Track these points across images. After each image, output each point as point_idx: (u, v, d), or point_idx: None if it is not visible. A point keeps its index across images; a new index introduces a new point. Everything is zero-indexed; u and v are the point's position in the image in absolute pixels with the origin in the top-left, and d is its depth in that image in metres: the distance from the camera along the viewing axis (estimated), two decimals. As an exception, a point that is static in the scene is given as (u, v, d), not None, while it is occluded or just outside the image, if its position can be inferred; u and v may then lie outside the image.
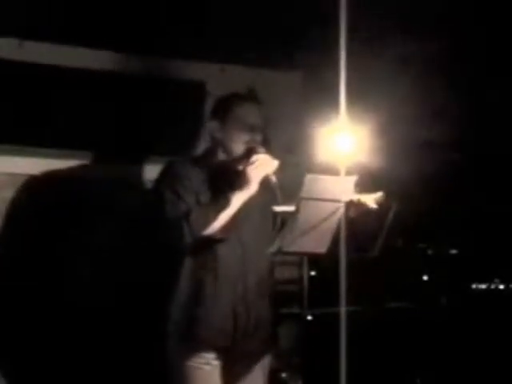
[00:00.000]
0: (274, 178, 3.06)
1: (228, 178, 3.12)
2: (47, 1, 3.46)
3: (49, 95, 3.84)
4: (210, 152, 3.24)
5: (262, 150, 3.10)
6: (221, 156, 3.21)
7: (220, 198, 3.05)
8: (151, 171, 3.75)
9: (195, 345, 3.10)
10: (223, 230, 3.05)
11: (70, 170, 3.84)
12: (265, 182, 3.07)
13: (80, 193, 3.81)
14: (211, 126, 3.21)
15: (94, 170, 3.87)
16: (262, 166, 3.05)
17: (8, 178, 3.75)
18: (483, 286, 4.89)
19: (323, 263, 4.52)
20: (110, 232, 3.82)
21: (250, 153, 3.10)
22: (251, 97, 3.25)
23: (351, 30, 3.03)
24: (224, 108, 3.19)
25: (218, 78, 4.09)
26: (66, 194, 3.80)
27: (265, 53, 3.96)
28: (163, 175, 3.15)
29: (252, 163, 3.04)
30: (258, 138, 3.16)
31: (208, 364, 3.11)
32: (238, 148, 3.15)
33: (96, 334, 3.79)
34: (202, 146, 3.85)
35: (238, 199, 3.04)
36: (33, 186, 3.77)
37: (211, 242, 3.07)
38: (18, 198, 3.74)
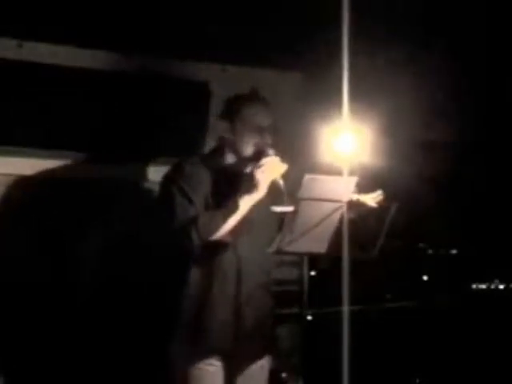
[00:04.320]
0: (281, 182, 3.04)
1: (237, 181, 3.10)
2: (47, 1, 3.45)
3: (48, 95, 3.83)
4: (219, 152, 3.22)
5: (271, 152, 3.09)
6: (229, 157, 3.20)
7: (228, 202, 3.03)
8: (153, 172, 3.76)
9: (200, 348, 3.10)
10: (231, 233, 3.05)
11: (71, 171, 3.84)
12: (273, 186, 3.05)
13: (81, 193, 3.80)
14: (220, 126, 3.20)
15: (95, 171, 3.86)
16: (271, 170, 3.04)
17: (7, 179, 3.75)
18: (483, 286, 4.90)
19: (323, 263, 4.52)
20: (112, 233, 3.81)
21: (259, 155, 3.09)
22: (260, 98, 3.23)
23: (353, 31, 3.03)
24: (234, 109, 3.18)
25: (219, 78, 4.08)
26: (66, 194, 3.80)
27: (266, 53, 3.96)
28: (173, 175, 3.13)
29: (260, 166, 3.03)
30: (268, 139, 3.15)
31: (211, 365, 3.11)
32: (248, 149, 3.14)
33: (101, 335, 3.78)
34: (205, 146, 3.85)
35: (245, 203, 3.02)
36: (33, 187, 3.77)
37: (219, 245, 3.07)
38: (12, 198, 3.72)
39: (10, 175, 3.73)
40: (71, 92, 3.83)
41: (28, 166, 3.77)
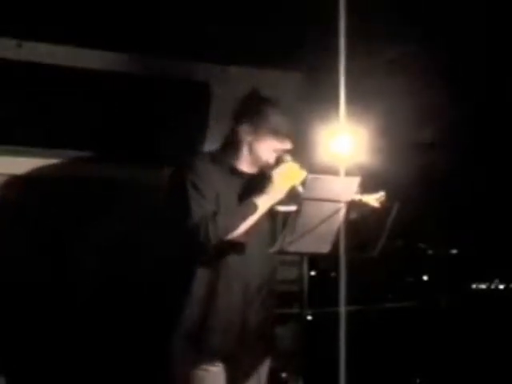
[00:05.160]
0: (300, 189, 3.00)
1: (255, 184, 3.06)
2: (47, 1, 3.45)
3: (48, 95, 3.83)
4: (231, 152, 3.15)
5: (288, 158, 3.07)
6: (246, 158, 3.14)
7: (246, 203, 3.01)
8: (153, 171, 3.76)
9: (203, 349, 3.09)
10: (246, 234, 3.00)
11: (71, 170, 3.85)
12: (291, 192, 3.02)
13: (81, 193, 3.81)
14: (241, 127, 3.12)
15: (95, 171, 3.87)
16: (290, 175, 3.01)
17: (6, 179, 3.75)
18: (483, 286, 4.90)
19: (324, 263, 4.53)
20: (113, 232, 3.81)
21: (277, 160, 3.06)
22: (277, 102, 3.19)
23: (350, 31, 3.03)
24: (256, 111, 3.11)
25: (219, 79, 4.08)
26: (66, 194, 3.80)
27: (266, 53, 3.96)
28: (183, 172, 3.05)
29: (281, 171, 3.01)
30: (288, 145, 3.11)
31: (213, 365, 3.10)
32: (268, 153, 3.10)
33: (102, 335, 3.79)
34: (205, 146, 3.86)
35: (264, 204, 3.00)
36: (33, 187, 3.77)
37: (233, 245, 3.03)
38: (12, 197, 3.72)
39: (10, 175, 3.73)
40: (71, 92, 3.84)
41: (28, 165, 3.77)
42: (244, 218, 2.98)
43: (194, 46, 3.87)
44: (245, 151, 3.14)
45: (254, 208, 2.99)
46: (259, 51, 3.92)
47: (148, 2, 3.56)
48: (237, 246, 3.05)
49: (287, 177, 3.01)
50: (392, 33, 3.81)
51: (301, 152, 3.77)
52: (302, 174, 3.03)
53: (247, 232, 3.01)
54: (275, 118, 3.11)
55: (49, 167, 3.80)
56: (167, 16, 3.65)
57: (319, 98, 4.06)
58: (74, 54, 3.85)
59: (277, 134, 3.10)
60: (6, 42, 3.72)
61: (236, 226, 2.97)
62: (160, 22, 3.68)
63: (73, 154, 3.84)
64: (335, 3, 3.08)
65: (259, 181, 3.06)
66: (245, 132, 3.11)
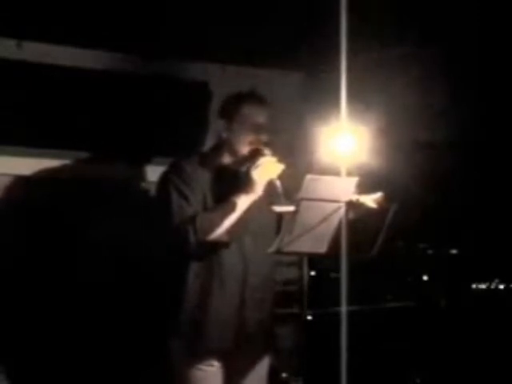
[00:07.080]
0: (278, 183, 3.04)
1: (233, 181, 3.10)
2: (47, 1, 3.45)
3: (48, 95, 3.83)
4: (217, 151, 3.21)
5: (267, 151, 3.09)
6: (227, 155, 3.19)
7: (226, 202, 3.03)
8: (153, 172, 3.76)
9: (200, 350, 3.10)
10: (228, 233, 3.04)
11: (70, 170, 3.85)
12: (269, 186, 3.05)
13: (81, 193, 3.81)
14: (218, 124, 3.19)
15: (94, 171, 3.87)
16: (267, 170, 3.04)
17: (7, 179, 3.75)
18: (483, 286, 4.89)
19: (323, 263, 4.53)
20: (112, 232, 3.81)
21: (255, 154, 3.09)
22: (258, 96, 3.21)
23: (351, 31, 3.03)
24: (231, 107, 3.17)
25: (218, 78, 4.08)
26: (65, 194, 3.81)
27: (266, 53, 3.96)
28: (170, 175, 3.12)
29: (257, 166, 3.03)
30: (264, 138, 3.14)
31: (211, 365, 3.11)
32: (244, 148, 3.13)
33: (100, 336, 3.79)
34: (204, 146, 3.86)
35: (242, 203, 3.03)
36: (33, 187, 3.77)
37: (216, 245, 3.06)
38: (12, 198, 3.73)
39: (10, 175, 3.73)
40: (71, 92, 3.84)
41: (28, 165, 3.77)
42: (223, 217, 3.00)
43: (193, 46, 3.87)
44: (225, 148, 3.17)
45: (233, 206, 3.01)
46: (259, 51, 3.93)
47: (148, 1, 3.56)
48: (221, 245, 3.07)
49: (264, 171, 3.03)
50: (394, 32, 3.81)
51: (301, 152, 3.79)
52: (279, 167, 3.05)
53: (230, 231, 3.03)
54: (247, 109, 3.14)
55: (48, 167, 3.80)
56: (167, 16, 3.65)
57: (319, 98, 4.06)
58: (74, 54, 3.85)
59: (250, 124, 3.12)
60: (5, 42, 3.72)
61: (216, 226, 3.00)
62: (160, 21, 3.68)
63: (72, 154, 3.84)
64: (336, 3, 3.08)
65: (242, 178, 3.07)
66: (221, 129, 3.15)
